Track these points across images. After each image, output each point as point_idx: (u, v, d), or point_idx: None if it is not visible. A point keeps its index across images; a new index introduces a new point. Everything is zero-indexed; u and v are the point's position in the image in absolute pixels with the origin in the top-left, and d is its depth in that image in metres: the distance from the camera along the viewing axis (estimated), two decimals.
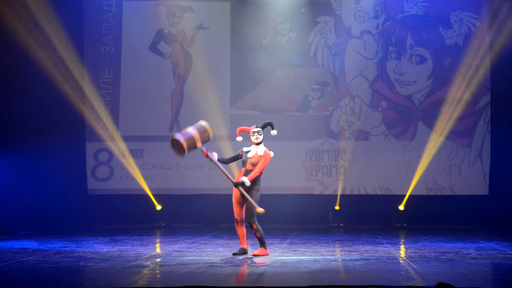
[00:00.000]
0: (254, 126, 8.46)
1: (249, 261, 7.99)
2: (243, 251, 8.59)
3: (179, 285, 6.19)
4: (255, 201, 8.27)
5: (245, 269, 7.44)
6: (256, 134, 8.36)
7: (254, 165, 8.34)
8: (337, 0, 13.65)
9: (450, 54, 13.39)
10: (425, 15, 13.48)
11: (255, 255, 8.39)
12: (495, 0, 13.16)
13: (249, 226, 8.45)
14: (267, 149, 8.40)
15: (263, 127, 8.44)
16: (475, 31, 13.32)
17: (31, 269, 7.39)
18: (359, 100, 13.57)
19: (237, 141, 8.58)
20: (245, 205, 8.47)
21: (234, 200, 8.49)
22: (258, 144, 8.40)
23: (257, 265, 7.66)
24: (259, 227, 8.42)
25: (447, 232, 12.18)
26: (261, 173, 8.35)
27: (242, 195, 8.27)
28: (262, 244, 8.47)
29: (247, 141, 8.59)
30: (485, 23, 13.27)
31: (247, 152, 8.44)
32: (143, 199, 13.56)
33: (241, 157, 8.47)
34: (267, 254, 8.49)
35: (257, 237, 8.45)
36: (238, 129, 8.55)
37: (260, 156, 8.34)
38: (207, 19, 13.81)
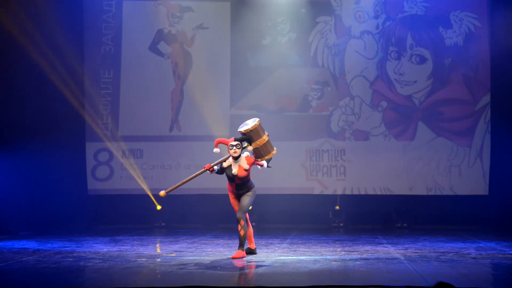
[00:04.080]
0: (233, 138, 8.31)
1: (249, 261, 7.99)
2: (250, 251, 8.57)
3: (179, 285, 6.19)
4: (251, 201, 8.28)
5: (245, 269, 7.44)
6: (234, 147, 8.21)
7: (242, 179, 8.29)
8: (337, 0, 13.65)
9: (450, 54, 13.39)
10: (425, 15, 13.48)
11: (233, 258, 8.27)
12: (495, 0, 13.16)
13: (237, 222, 8.32)
14: (246, 156, 8.33)
15: (241, 141, 8.28)
16: (475, 31, 13.31)
17: (31, 269, 7.39)
18: (359, 100, 13.57)
19: (214, 152, 8.35)
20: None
21: (233, 203, 8.48)
22: (236, 158, 8.28)
23: (257, 265, 7.66)
24: (247, 226, 8.36)
25: (447, 232, 12.18)
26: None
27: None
28: (241, 245, 8.35)
29: (224, 152, 8.44)
30: (485, 23, 13.27)
31: (227, 167, 8.32)
32: (143, 199, 13.55)
33: (211, 172, 8.32)
34: (244, 256, 8.38)
35: (239, 235, 8.30)
36: (215, 140, 8.37)
37: (246, 170, 8.25)
38: (207, 19, 13.81)
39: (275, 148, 8.45)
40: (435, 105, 13.37)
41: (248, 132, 8.26)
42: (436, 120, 13.32)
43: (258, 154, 8.35)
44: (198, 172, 8.35)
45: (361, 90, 13.57)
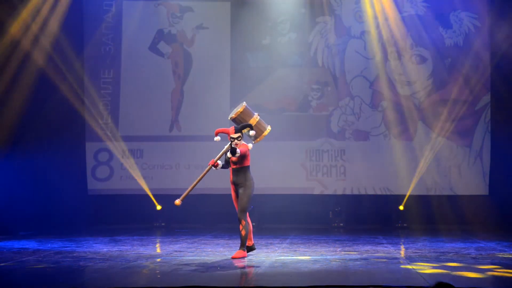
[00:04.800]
0: (233, 128, 8.30)
1: (249, 261, 7.99)
2: (249, 248, 8.55)
3: (179, 285, 6.19)
4: (249, 198, 8.25)
5: (245, 269, 7.44)
6: (235, 140, 8.24)
7: (236, 163, 8.32)
8: (337, 0, 13.65)
9: (450, 54, 13.39)
10: (425, 15, 13.48)
11: (233, 258, 8.25)
12: (495, 0, 13.16)
13: (238, 221, 8.30)
14: (244, 143, 8.33)
15: (240, 130, 8.31)
16: (475, 31, 13.31)
17: (31, 269, 7.39)
18: (359, 100, 13.57)
19: (215, 140, 8.41)
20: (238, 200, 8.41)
21: (233, 195, 8.47)
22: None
23: (257, 265, 7.66)
24: (248, 226, 8.35)
25: (447, 232, 12.18)
26: (249, 166, 8.34)
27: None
28: (242, 245, 8.34)
29: (226, 141, 8.48)
30: (485, 23, 13.27)
31: (227, 152, 8.38)
32: (143, 199, 13.55)
33: (217, 167, 8.33)
34: (245, 257, 8.35)
35: (240, 235, 8.30)
36: (216, 130, 8.39)
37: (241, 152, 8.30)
38: (207, 19, 13.81)
39: (268, 126, 8.54)
40: (435, 105, 13.36)
41: (239, 115, 8.35)
42: (436, 120, 13.32)
43: (254, 135, 8.46)
44: (205, 170, 8.32)
45: (361, 90, 13.57)
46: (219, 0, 13.82)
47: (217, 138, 8.38)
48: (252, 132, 8.33)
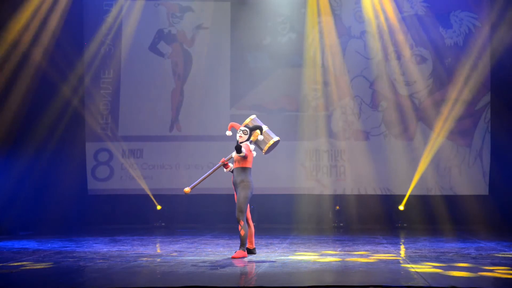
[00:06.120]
0: (243, 124, 8.47)
1: (249, 261, 7.99)
2: (249, 251, 8.55)
3: (179, 285, 6.19)
4: (245, 198, 8.26)
5: (245, 269, 7.44)
6: (241, 132, 8.41)
7: (237, 161, 8.37)
8: (337, 0, 13.65)
9: (450, 54, 13.40)
10: (425, 15, 13.48)
11: (233, 258, 8.23)
12: (495, 0, 13.16)
13: (237, 222, 8.32)
14: (247, 143, 8.39)
15: (251, 129, 8.42)
16: (475, 31, 13.32)
17: (31, 269, 7.39)
18: (359, 100, 13.57)
19: (226, 135, 8.58)
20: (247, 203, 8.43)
21: (235, 195, 8.47)
22: (241, 142, 8.40)
23: (257, 265, 7.66)
24: (247, 226, 8.35)
25: (447, 232, 12.18)
26: (249, 168, 8.37)
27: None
28: (242, 245, 8.33)
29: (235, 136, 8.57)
30: (485, 23, 13.27)
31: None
32: (143, 199, 13.56)
33: (227, 167, 8.46)
34: (245, 257, 8.34)
35: (240, 235, 8.29)
36: (229, 124, 8.58)
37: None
38: (207, 19, 13.82)
39: (276, 137, 8.54)
40: (435, 105, 13.37)
41: (246, 126, 8.50)
42: (436, 120, 13.32)
43: (259, 145, 8.55)
44: (217, 166, 8.37)
45: (361, 90, 13.58)
46: (219, 0, 13.83)
47: (229, 133, 8.59)
48: (260, 137, 8.41)
